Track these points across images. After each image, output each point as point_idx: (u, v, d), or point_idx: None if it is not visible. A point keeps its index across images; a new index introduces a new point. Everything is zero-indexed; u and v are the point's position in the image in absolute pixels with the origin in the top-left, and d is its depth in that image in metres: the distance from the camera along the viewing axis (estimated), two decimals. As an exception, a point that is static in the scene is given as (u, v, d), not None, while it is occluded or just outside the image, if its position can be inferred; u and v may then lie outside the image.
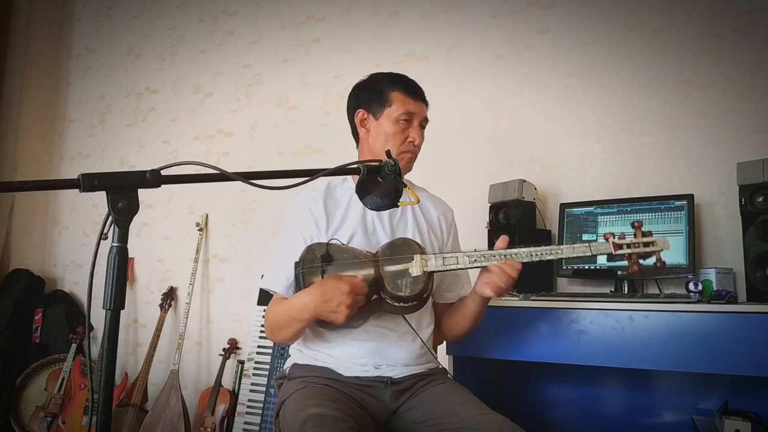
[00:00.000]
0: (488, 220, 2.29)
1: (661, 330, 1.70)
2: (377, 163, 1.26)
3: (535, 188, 2.31)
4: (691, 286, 1.74)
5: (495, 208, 2.27)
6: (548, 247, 1.41)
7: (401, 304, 1.40)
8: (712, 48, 2.21)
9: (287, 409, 1.40)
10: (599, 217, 2.17)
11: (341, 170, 1.24)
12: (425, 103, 1.61)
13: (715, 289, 1.81)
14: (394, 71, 1.64)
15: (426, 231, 1.60)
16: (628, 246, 1.40)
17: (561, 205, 2.28)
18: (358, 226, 1.52)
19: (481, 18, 2.66)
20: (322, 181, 1.46)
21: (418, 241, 1.53)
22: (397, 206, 1.32)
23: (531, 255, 1.40)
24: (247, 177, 1.05)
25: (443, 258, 1.40)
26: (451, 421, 1.37)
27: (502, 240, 1.43)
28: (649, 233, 1.41)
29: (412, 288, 1.38)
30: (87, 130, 3.74)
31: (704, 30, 2.23)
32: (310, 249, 1.44)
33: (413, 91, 1.58)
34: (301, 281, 1.41)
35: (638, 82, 2.32)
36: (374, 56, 2.87)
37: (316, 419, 1.26)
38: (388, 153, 1.43)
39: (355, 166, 1.24)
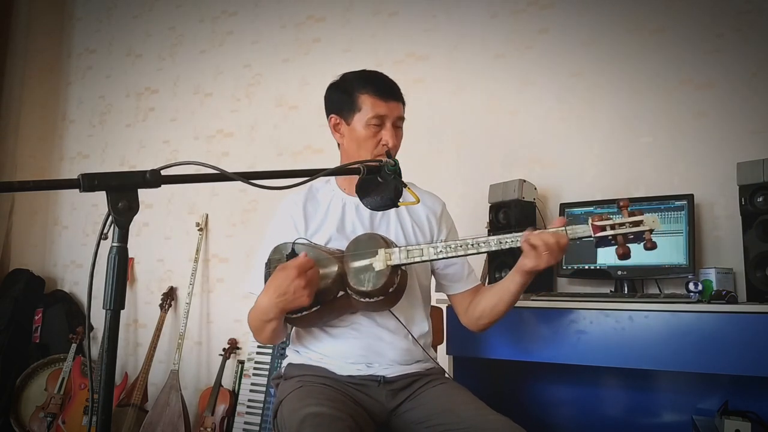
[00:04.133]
0: (488, 220, 2.29)
1: (661, 330, 1.70)
2: (377, 163, 1.26)
3: (535, 188, 2.31)
4: (691, 286, 1.74)
5: (495, 208, 2.27)
6: (518, 234, 1.33)
7: (366, 299, 1.38)
8: (712, 48, 2.21)
9: (285, 408, 1.40)
10: (599, 217, 2.16)
11: (341, 170, 1.24)
12: (399, 101, 1.54)
13: (715, 289, 1.81)
14: (366, 69, 1.59)
15: (410, 228, 1.58)
16: (612, 227, 1.26)
17: (561, 205, 2.28)
18: (337, 228, 1.52)
19: (481, 18, 2.66)
20: (305, 185, 1.46)
21: (402, 238, 1.53)
22: (397, 206, 1.31)
23: (500, 243, 1.34)
24: (247, 177, 1.05)
25: (407, 251, 1.37)
26: (452, 421, 1.37)
27: (560, 220, 1.34)
28: (639, 212, 1.27)
29: (374, 282, 1.35)
30: (87, 130, 3.74)
31: (704, 30, 2.23)
32: (277, 249, 1.45)
33: (382, 91, 1.52)
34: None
35: (638, 83, 2.32)
36: (374, 56, 2.87)
37: (313, 418, 1.26)
38: (388, 153, 1.43)
39: (355, 166, 1.24)
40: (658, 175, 2.25)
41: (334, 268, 1.39)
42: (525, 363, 1.96)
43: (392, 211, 1.56)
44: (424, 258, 1.38)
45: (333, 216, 1.55)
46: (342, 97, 1.55)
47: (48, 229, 3.77)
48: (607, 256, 2.12)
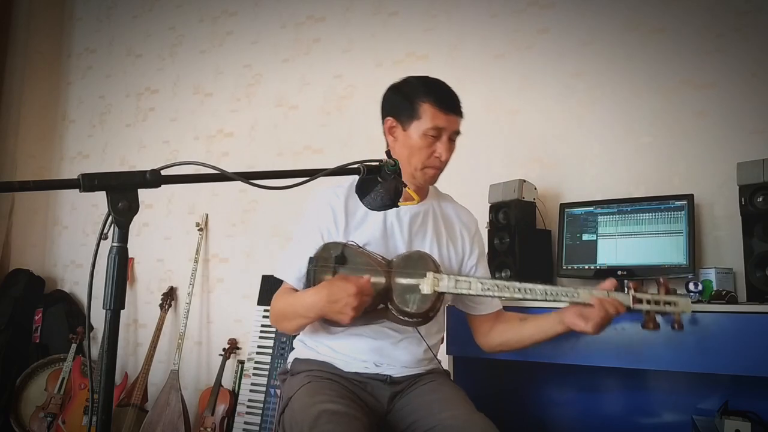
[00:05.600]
0: (488, 220, 2.29)
1: (661, 330, 1.70)
2: (377, 163, 1.26)
3: (535, 188, 2.31)
4: (691, 286, 1.74)
5: (495, 208, 2.27)
6: (566, 289, 1.38)
7: (405, 318, 1.40)
8: (712, 48, 2.21)
9: (295, 404, 1.39)
10: (599, 217, 2.17)
11: (341, 170, 1.24)
12: (458, 114, 1.52)
13: (715, 289, 1.81)
14: (430, 76, 1.56)
15: (445, 242, 1.57)
16: (648, 302, 1.35)
17: (561, 205, 2.28)
18: (376, 229, 1.51)
19: (481, 18, 2.66)
20: (346, 179, 1.46)
21: (435, 252, 1.52)
22: (397, 206, 1.31)
23: (546, 294, 1.37)
24: (247, 177, 1.05)
25: (456, 280, 1.39)
26: (428, 422, 1.37)
27: (610, 282, 1.39)
28: (674, 291, 1.38)
29: (419, 305, 1.37)
30: (87, 130, 3.74)
31: (704, 30, 2.23)
32: (326, 248, 1.44)
33: (445, 104, 1.49)
34: (312, 278, 1.41)
35: (638, 82, 2.32)
36: (374, 56, 2.87)
37: (329, 415, 1.26)
38: (388, 153, 1.42)
39: (355, 166, 1.24)
40: (658, 175, 2.25)
41: (381, 280, 1.39)
42: (525, 363, 1.96)
43: (430, 221, 1.57)
44: (471, 292, 1.39)
45: (374, 216, 1.51)
46: (402, 102, 1.52)
47: (48, 229, 3.77)
48: (607, 256, 2.13)
